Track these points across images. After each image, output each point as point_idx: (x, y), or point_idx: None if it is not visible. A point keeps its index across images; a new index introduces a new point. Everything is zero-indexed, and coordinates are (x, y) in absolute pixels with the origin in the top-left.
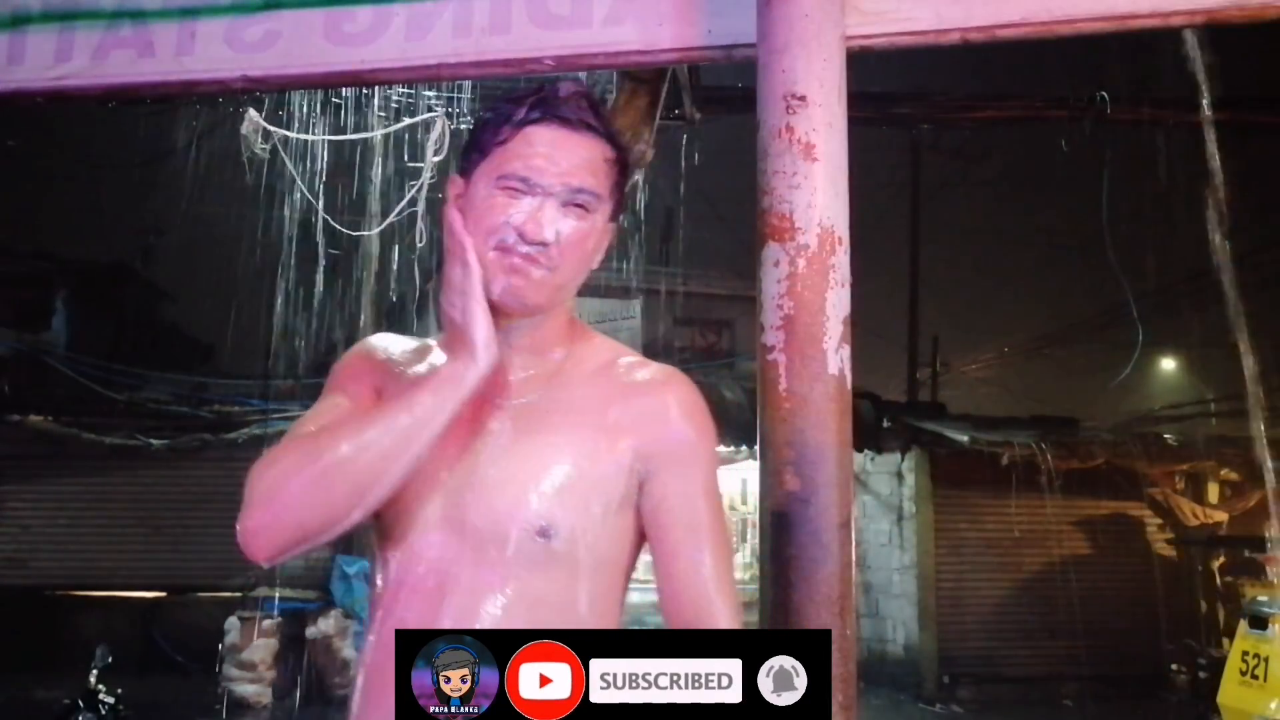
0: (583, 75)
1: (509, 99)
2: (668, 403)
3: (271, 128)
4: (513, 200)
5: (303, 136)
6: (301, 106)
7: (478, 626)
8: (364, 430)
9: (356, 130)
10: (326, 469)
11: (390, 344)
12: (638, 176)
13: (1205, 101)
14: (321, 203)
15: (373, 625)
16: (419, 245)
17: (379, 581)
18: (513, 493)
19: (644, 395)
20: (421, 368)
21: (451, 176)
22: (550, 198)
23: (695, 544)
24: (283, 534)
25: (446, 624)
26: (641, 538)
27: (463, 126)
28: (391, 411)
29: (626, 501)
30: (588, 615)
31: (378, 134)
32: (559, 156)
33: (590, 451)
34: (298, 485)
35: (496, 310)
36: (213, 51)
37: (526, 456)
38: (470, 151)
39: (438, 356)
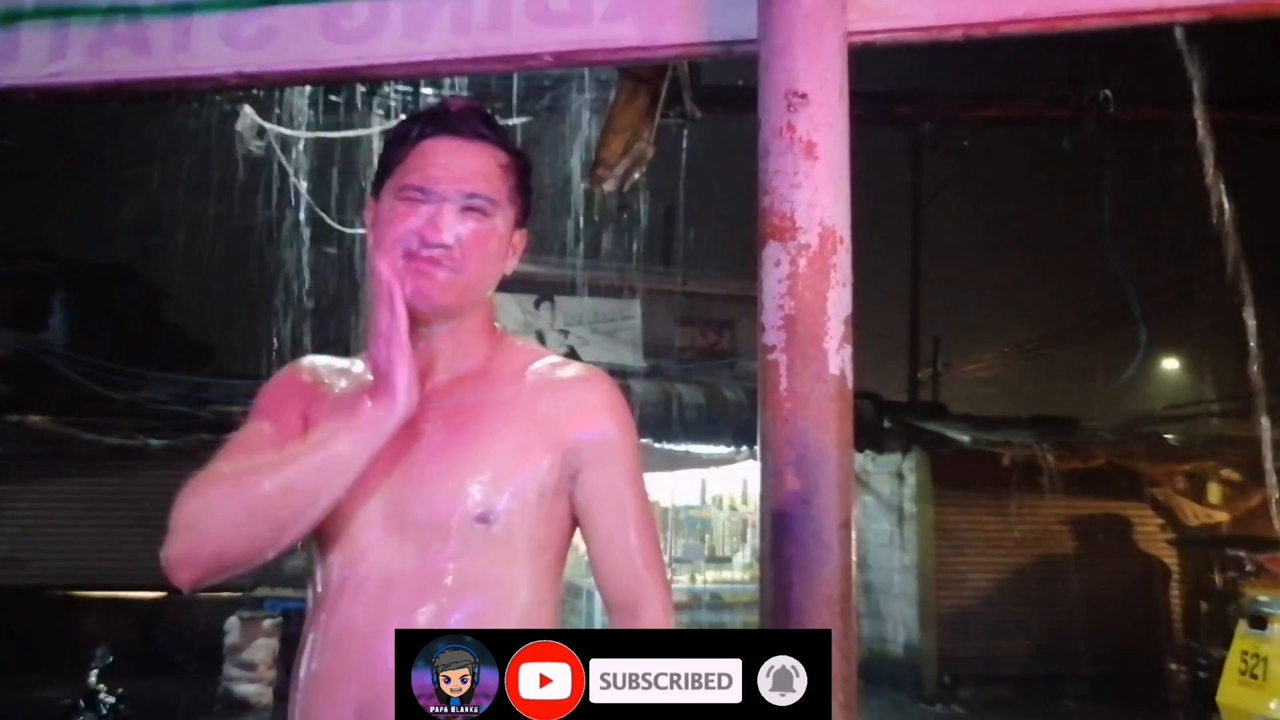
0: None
1: (407, 120)
2: (595, 400)
3: (267, 125)
4: (413, 209)
5: (299, 134)
6: (300, 104)
7: (422, 615)
8: (284, 469)
9: (354, 127)
10: (248, 507)
11: (318, 367)
12: (638, 175)
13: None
14: (320, 202)
15: (315, 626)
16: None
17: (319, 584)
18: (452, 484)
19: (572, 393)
20: (349, 390)
21: (367, 200)
22: (447, 203)
23: (624, 529)
24: (203, 565)
25: (394, 618)
26: (574, 524)
27: None
28: (312, 453)
29: (560, 490)
30: (527, 598)
31: (375, 131)
32: (453, 165)
33: (523, 443)
34: (219, 521)
35: (412, 314)
36: (208, 48)
37: (462, 449)
38: (377, 174)
39: (366, 377)
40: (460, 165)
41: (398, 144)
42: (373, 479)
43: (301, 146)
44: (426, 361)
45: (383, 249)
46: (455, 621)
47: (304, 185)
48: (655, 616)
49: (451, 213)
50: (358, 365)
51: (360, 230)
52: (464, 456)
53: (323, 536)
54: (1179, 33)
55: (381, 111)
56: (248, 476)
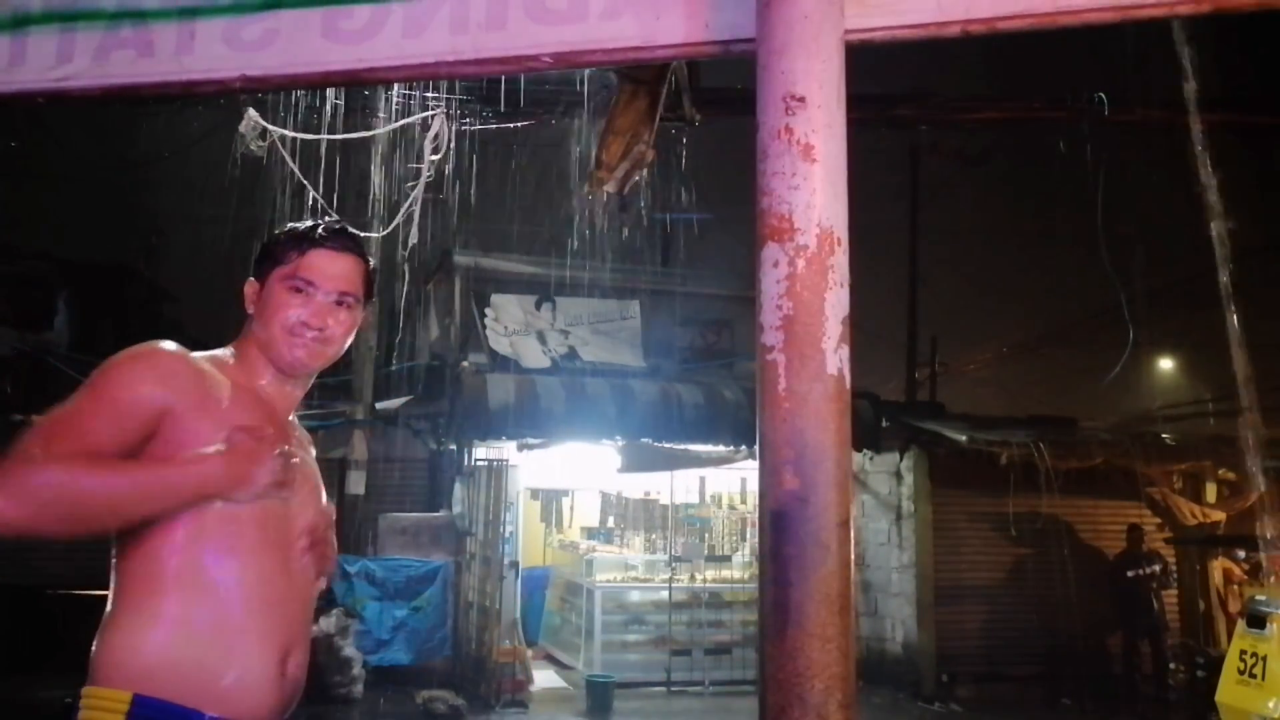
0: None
1: (292, 232)
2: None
3: (270, 127)
4: (298, 298)
5: (301, 135)
6: (301, 105)
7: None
8: (122, 476)
9: (355, 129)
10: (80, 499)
11: (183, 361)
12: (638, 176)
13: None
14: (322, 202)
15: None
16: (414, 243)
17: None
18: (319, 497)
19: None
20: (220, 388)
21: (249, 280)
22: (327, 297)
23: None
24: (21, 529)
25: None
26: None
27: (464, 126)
28: (151, 476)
29: None
30: None
31: (378, 132)
32: (329, 269)
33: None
34: (52, 503)
35: (286, 370)
36: (212, 51)
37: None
38: (264, 262)
39: (235, 373)
40: (334, 270)
41: (287, 248)
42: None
43: (307, 148)
44: (292, 402)
45: (270, 322)
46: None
47: (308, 185)
48: None
49: (328, 307)
50: (228, 357)
51: (360, 232)
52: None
53: (203, 541)
54: (1176, 32)
55: (384, 115)
56: (85, 470)
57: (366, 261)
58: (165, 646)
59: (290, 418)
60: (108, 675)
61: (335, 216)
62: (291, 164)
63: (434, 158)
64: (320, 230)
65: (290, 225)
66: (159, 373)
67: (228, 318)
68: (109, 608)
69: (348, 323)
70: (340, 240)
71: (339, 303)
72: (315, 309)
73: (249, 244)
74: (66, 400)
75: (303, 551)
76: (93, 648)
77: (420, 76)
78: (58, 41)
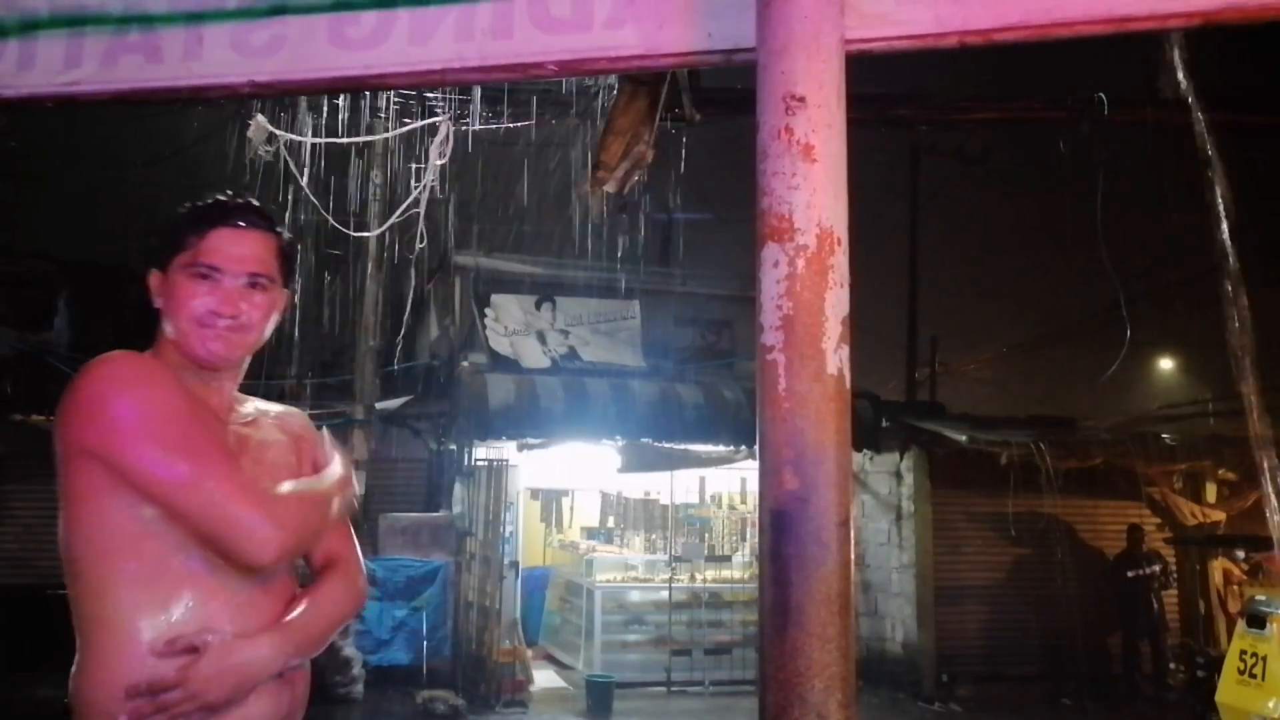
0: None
1: (192, 211)
2: (321, 435)
3: (277, 131)
4: (205, 284)
5: (309, 140)
6: (306, 110)
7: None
8: (318, 479)
9: (360, 132)
10: (312, 513)
11: (159, 367)
12: (638, 176)
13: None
14: (323, 203)
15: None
16: (419, 246)
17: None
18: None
19: (308, 429)
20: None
21: (151, 271)
22: (236, 280)
23: None
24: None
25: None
26: None
27: (465, 127)
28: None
29: None
30: None
31: (383, 137)
32: (235, 250)
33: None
34: (302, 525)
35: (205, 365)
36: (220, 56)
37: (274, 475)
38: (164, 251)
39: (180, 374)
40: (241, 250)
41: (185, 231)
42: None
43: (309, 150)
44: (223, 398)
45: (177, 315)
46: None
47: (308, 187)
48: None
49: (239, 290)
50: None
51: (361, 234)
52: (278, 476)
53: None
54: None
55: (386, 116)
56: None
57: (279, 236)
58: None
59: (252, 406)
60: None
61: (235, 193)
62: (295, 170)
63: (440, 162)
64: (220, 206)
65: (188, 204)
66: (166, 381)
67: None
68: (79, 651)
69: (264, 306)
70: (244, 215)
71: (251, 285)
72: (224, 295)
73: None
74: (131, 455)
75: None
76: (69, 690)
77: (426, 83)
78: (66, 46)
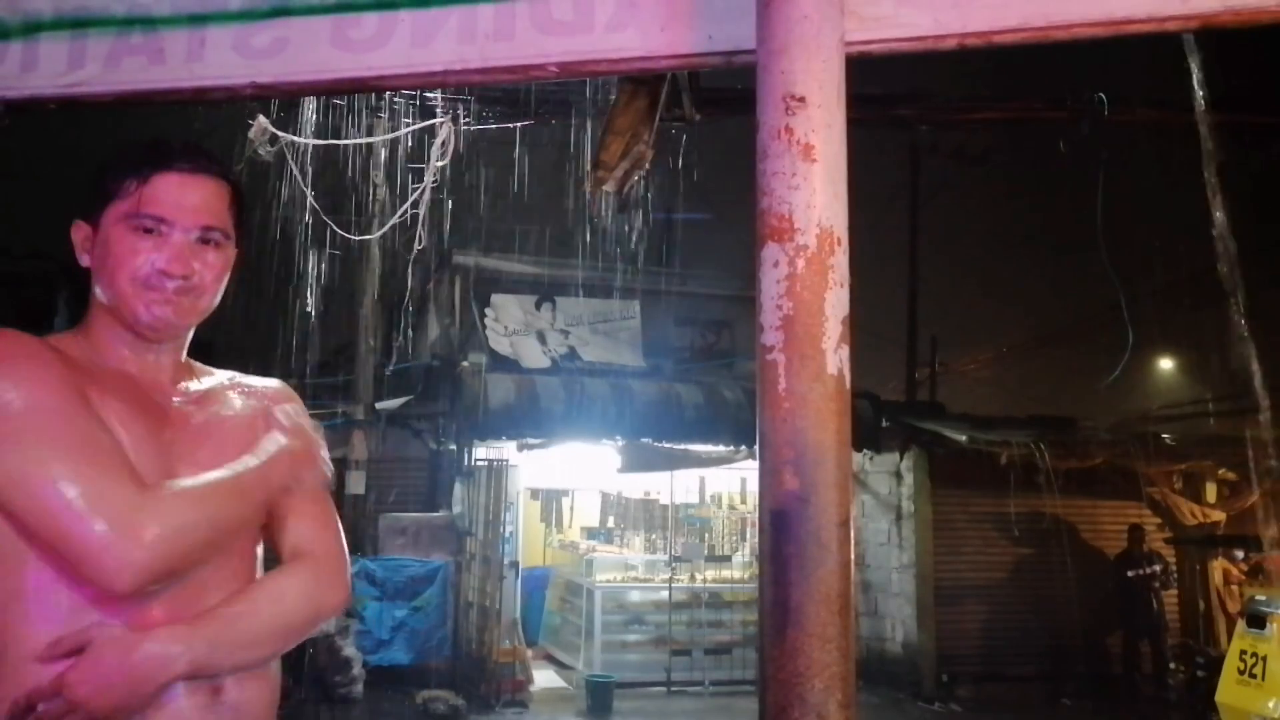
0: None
1: (130, 151)
2: (284, 406)
3: (279, 133)
4: (148, 239)
5: (310, 141)
6: (306, 110)
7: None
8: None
9: (362, 132)
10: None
11: (46, 347)
12: (638, 176)
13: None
14: (323, 204)
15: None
16: (418, 246)
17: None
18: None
19: (279, 400)
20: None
21: (76, 223)
22: (183, 235)
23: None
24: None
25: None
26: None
27: (465, 127)
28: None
29: None
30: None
31: (384, 139)
32: (185, 199)
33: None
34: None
35: (144, 335)
36: (222, 58)
37: (218, 458)
38: (95, 198)
39: (84, 352)
40: (191, 199)
41: (123, 173)
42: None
43: (310, 151)
44: (156, 374)
45: (115, 276)
46: None
47: (309, 190)
48: None
49: (190, 247)
50: (71, 337)
51: (361, 236)
52: (223, 461)
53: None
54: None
55: (386, 115)
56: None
57: (232, 183)
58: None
59: (213, 380)
60: None
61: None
62: (295, 169)
63: (440, 164)
64: (163, 147)
65: (126, 145)
66: (49, 355)
67: (228, 317)
68: None
69: (218, 266)
70: (192, 159)
71: (204, 240)
72: (173, 252)
73: (248, 243)
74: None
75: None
76: None
77: (428, 85)
78: (69, 48)
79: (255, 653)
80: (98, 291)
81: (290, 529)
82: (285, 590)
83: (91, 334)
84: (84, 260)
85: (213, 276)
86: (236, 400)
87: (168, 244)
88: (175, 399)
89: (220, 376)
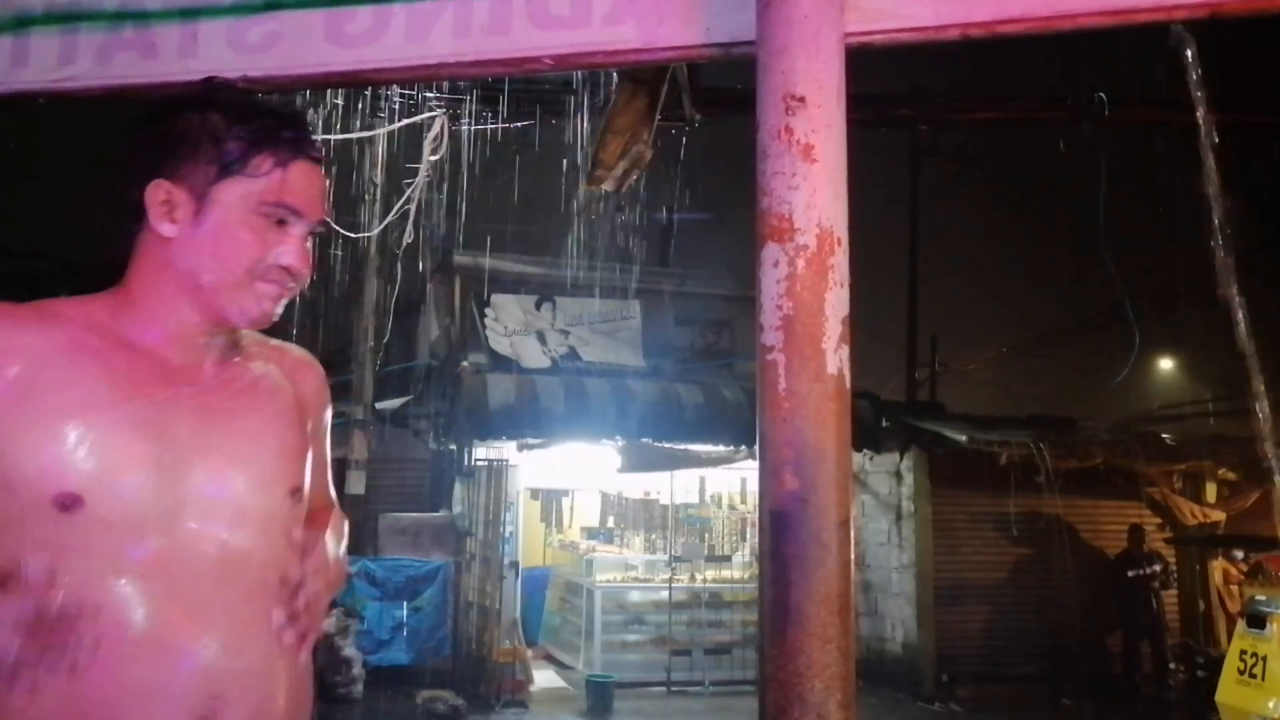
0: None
1: (244, 116)
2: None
3: None
4: (273, 232)
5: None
6: (307, 109)
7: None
8: None
9: (355, 128)
10: None
11: (11, 324)
12: (637, 176)
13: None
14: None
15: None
16: (414, 242)
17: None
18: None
19: (312, 369)
20: (66, 354)
21: (156, 182)
22: (307, 230)
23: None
24: None
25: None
26: None
27: (464, 125)
28: None
29: None
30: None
31: (378, 133)
32: (313, 192)
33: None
34: None
35: (235, 324)
36: (215, 52)
37: (260, 432)
38: (193, 161)
39: (107, 323)
40: (317, 192)
41: (256, 148)
42: (163, 475)
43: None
44: (200, 358)
45: (227, 259)
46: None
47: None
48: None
49: (308, 241)
50: (55, 309)
51: (362, 234)
52: (265, 438)
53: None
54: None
55: (384, 114)
56: None
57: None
58: None
59: (248, 356)
60: None
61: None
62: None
63: (433, 158)
64: (300, 127)
65: (238, 98)
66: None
67: None
68: None
69: (313, 262)
70: (316, 146)
71: (311, 234)
72: (299, 248)
73: None
74: None
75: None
76: None
77: (423, 78)
78: (60, 42)
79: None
80: (184, 263)
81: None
82: (331, 549)
83: (137, 305)
84: (163, 228)
85: (309, 272)
86: (268, 379)
87: (292, 238)
88: (201, 383)
89: (253, 348)
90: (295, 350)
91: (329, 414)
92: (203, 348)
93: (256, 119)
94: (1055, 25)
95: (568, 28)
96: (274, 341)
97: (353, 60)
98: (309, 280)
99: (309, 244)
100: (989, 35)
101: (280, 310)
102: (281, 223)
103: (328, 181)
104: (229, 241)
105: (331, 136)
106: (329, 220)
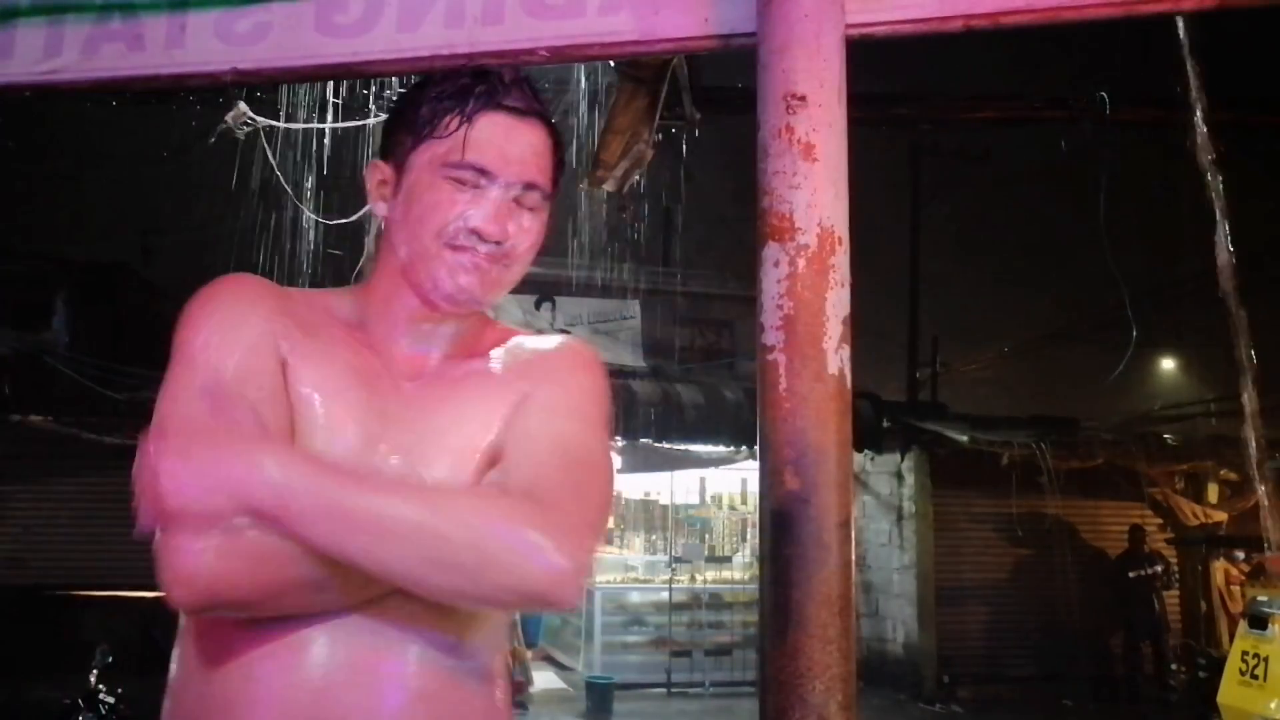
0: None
1: (446, 79)
2: (563, 358)
3: (258, 117)
4: (463, 193)
5: (289, 126)
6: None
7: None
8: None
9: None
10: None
11: (264, 296)
12: (637, 176)
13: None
14: (321, 202)
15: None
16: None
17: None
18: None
19: (546, 353)
20: (334, 341)
21: (373, 162)
22: (504, 193)
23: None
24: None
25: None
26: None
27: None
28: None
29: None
30: None
31: (370, 123)
32: (510, 149)
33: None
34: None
35: (441, 306)
36: (203, 44)
37: (458, 418)
38: (399, 134)
39: (339, 309)
40: (518, 149)
41: (441, 106)
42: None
43: (305, 144)
44: (428, 348)
45: (419, 229)
46: None
47: (313, 183)
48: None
49: (508, 206)
50: (334, 299)
51: (363, 236)
52: (467, 426)
53: None
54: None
55: (374, 110)
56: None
57: (554, 130)
58: None
59: (465, 358)
60: None
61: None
62: (271, 156)
63: None
64: (492, 79)
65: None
66: (258, 305)
67: None
68: None
69: (534, 231)
70: (524, 98)
71: (519, 199)
72: (492, 209)
73: (249, 242)
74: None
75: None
76: None
77: (415, 70)
78: (45, 34)
79: (365, 546)
80: (395, 244)
81: (514, 466)
82: (457, 497)
83: (372, 293)
84: (380, 209)
85: (528, 244)
86: (482, 374)
87: (485, 199)
88: (423, 377)
89: (503, 339)
90: (552, 342)
91: (578, 400)
92: (428, 335)
93: (454, 79)
94: (1061, 16)
95: (562, 17)
96: (537, 335)
97: (343, 52)
98: (517, 249)
99: (512, 208)
100: (993, 26)
101: (486, 287)
102: (467, 183)
103: (537, 140)
104: (416, 205)
105: (320, 125)
106: (539, 184)
